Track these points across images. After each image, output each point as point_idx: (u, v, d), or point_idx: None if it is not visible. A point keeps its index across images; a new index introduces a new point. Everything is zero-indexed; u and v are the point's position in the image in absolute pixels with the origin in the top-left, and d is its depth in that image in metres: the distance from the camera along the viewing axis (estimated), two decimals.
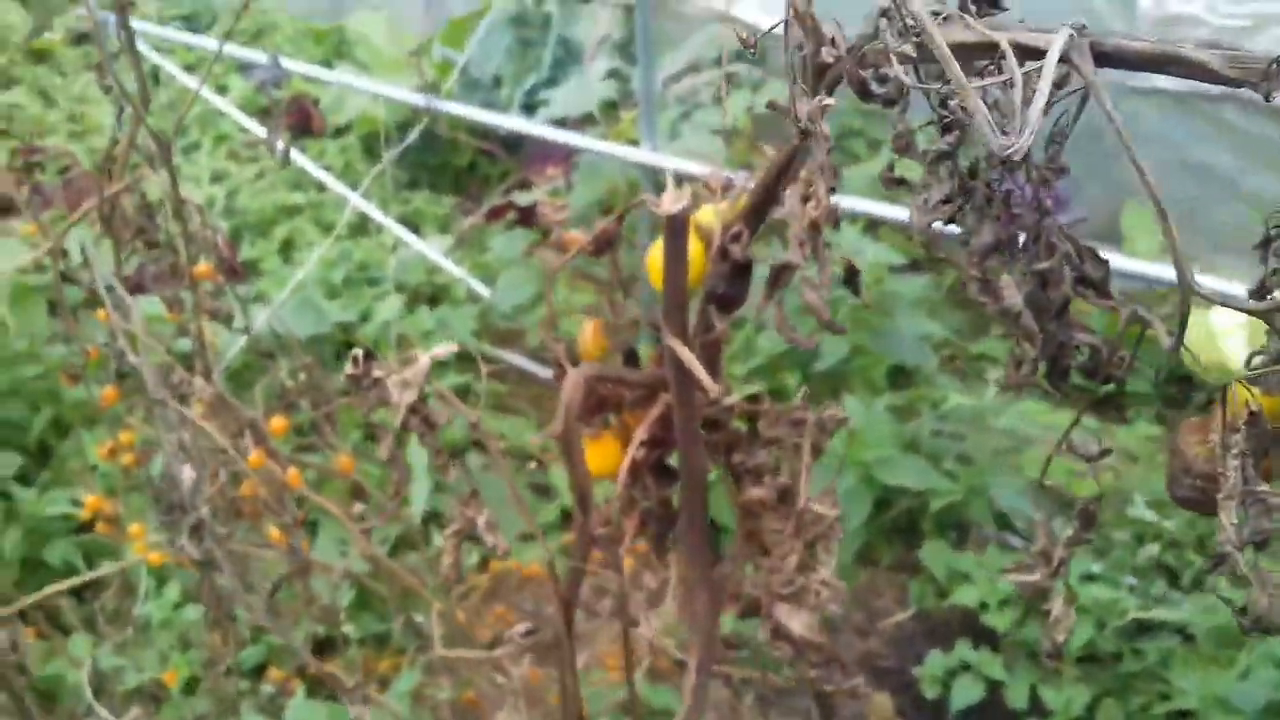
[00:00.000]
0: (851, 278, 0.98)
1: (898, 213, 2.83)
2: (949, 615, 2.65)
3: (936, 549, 2.72)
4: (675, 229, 0.92)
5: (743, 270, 0.97)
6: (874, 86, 0.71)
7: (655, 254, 1.02)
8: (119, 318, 1.58)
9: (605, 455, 1.19)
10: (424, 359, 1.15)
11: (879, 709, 2.34)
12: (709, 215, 1.03)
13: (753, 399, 1.09)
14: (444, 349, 1.15)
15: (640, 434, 1.09)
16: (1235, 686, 2.18)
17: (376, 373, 1.23)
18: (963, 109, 0.66)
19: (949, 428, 2.96)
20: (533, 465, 3.30)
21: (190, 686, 2.29)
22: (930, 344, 3.25)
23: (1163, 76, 0.67)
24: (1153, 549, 2.67)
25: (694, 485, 1.07)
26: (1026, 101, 0.63)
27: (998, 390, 3.00)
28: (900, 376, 3.25)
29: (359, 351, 1.29)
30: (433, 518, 2.83)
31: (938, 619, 2.68)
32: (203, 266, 1.82)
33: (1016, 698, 2.39)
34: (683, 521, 1.13)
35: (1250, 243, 0.94)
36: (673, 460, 1.20)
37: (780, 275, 0.87)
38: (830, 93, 0.81)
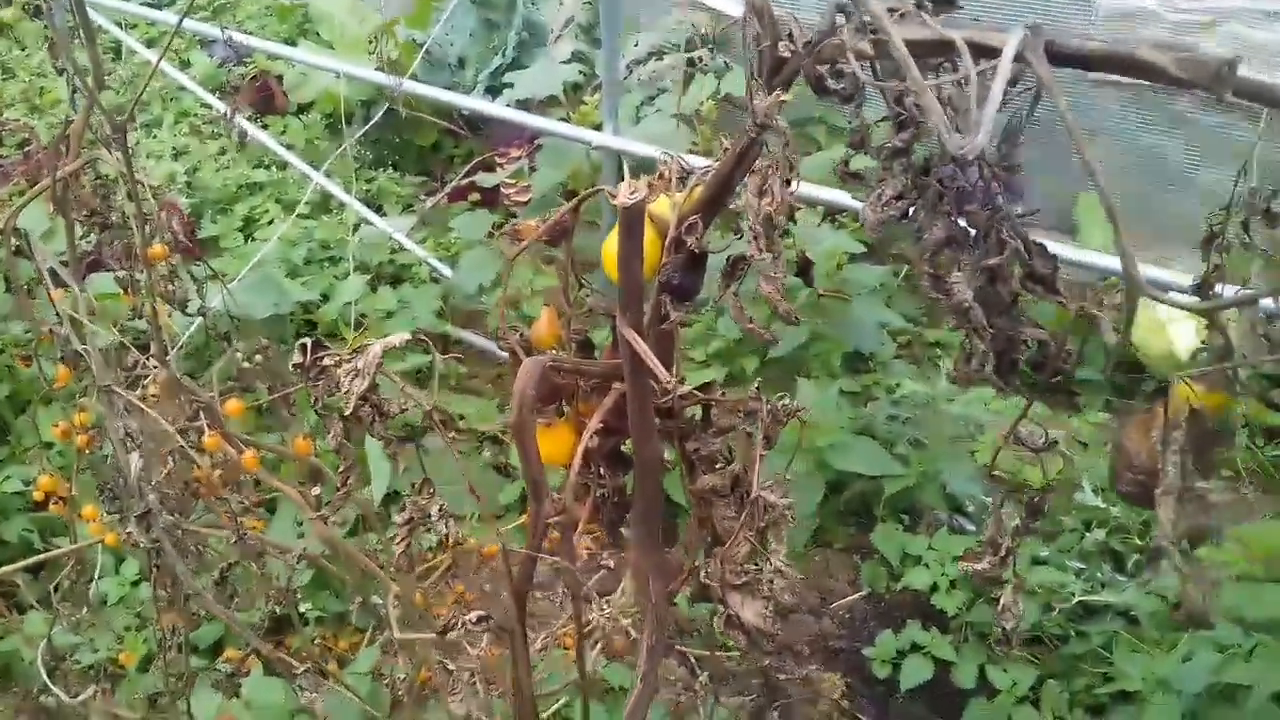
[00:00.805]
0: (805, 269, 1.00)
1: (857, 202, 2.86)
2: (900, 597, 2.70)
3: (889, 532, 2.77)
4: (630, 221, 0.94)
5: (698, 261, 0.98)
6: (830, 83, 0.72)
7: (611, 245, 1.04)
8: (66, 303, 1.57)
9: (561, 443, 1.20)
10: (375, 347, 1.16)
11: (827, 688, 2.38)
12: (664, 206, 1.04)
13: (705, 388, 1.11)
14: (397, 337, 1.16)
15: (593, 422, 1.11)
16: (1177, 669, 2.24)
17: (326, 362, 1.24)
18: (918, 107, 0.68)
19: (903, 413, 3.01)
20: (485, 454, 3.31)
21: (147, 664, 2.29)
22: (887, 331, 3.30)
23: None
24: (1099, 534, 2.73)
25: (647, 473, 1.09)
26: (981, 100, 0.64)
27: (950, 378, 3.04)
28: (857, 362, 3.29)
29: (306, 341, 1.30)
30: (394, 497, 2.83)
31: (889, 601, 2.72)
32: (157, 248, 1.80)
33: (965, 677, 2.45)
34: (636, 508, 1.15)
35: (1202, 235, 0.97)
36: (627, 448, 1.22)
37: (736, 267, 0.89)
38: (787, 86, 0.83)
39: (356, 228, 3.84)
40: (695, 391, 1.09)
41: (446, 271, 3.77)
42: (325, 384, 1.18)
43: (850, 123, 0.73)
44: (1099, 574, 2.66)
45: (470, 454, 3.18)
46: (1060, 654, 2.50)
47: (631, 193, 0.92)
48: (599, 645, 2.48)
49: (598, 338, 1.30)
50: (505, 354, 3.75)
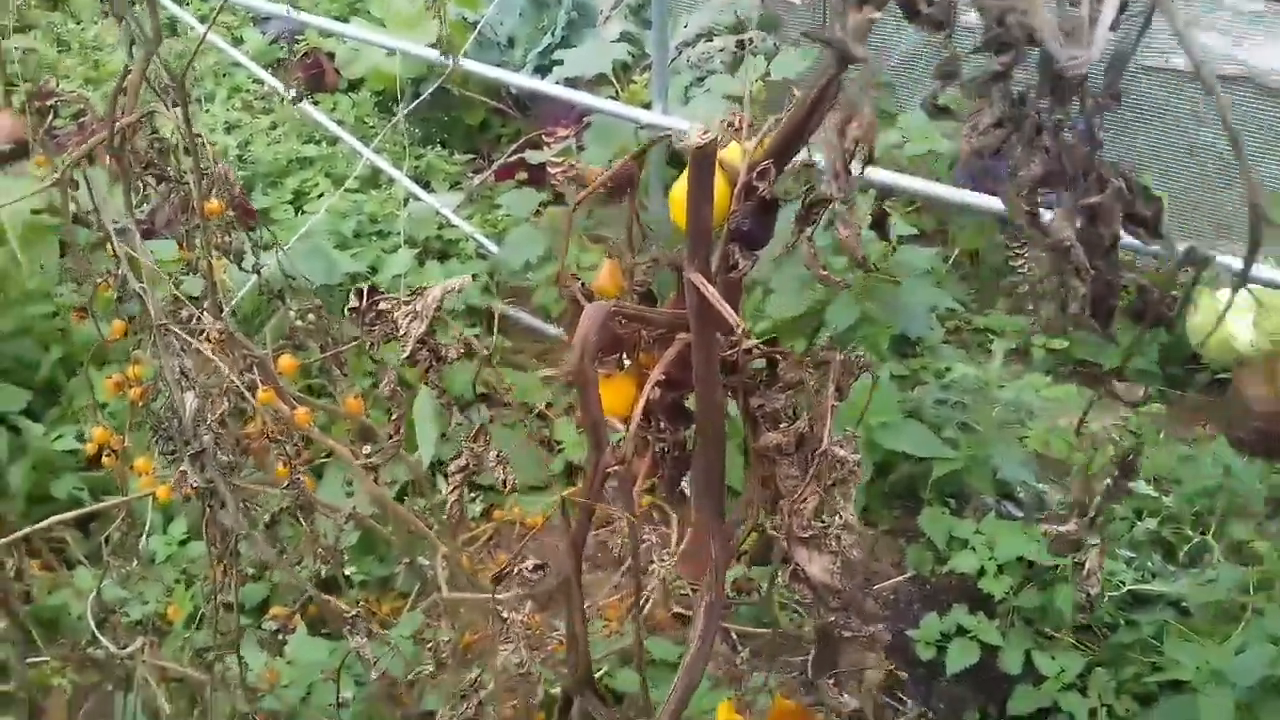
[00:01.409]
0: (881, 221, 0.98)
1: (908, 183, 2.81)
2: (946, 581, 2.67)
3: (936, 515, 2.73)
4: (701, 162, 0.92)
5: (768, 208, 0.97)
6: (922, 6, 0.70)
7: (679, 190, 1.02)
8: (124, 246, 1.57)
9: (619, 395, 1.19)
10: (435, 290, 1.15)
11: (874, 668, 2.35)
12: (734, 153, 1.02)
13: (771, 342, 1.09)
14: (456, 280, 1.15)
15: (656, 373, 1.10)
16: (1231, 661, 2.20)
17: (382, 306, 1.23)
18: (1022, 24, 0.65)
19: (952, 397, 2.97)
20: (530, 428, 3.31)
21: (193, 622, 2.31)
22: (936, 315, 3.26)
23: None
24: (1151, 524, 2.69)
25: (710, 426, 1.08)
26: (1093, 18, 0.61)
27: (1006, 360, 3.01)
28: (904, 346, 3.26)
29: (364, 285, 1.29)
30: (439, 466, 2.84)
31: (935, 584, 2.69)
32: (213, 204, 1.81)
33: (1011, 663, 2.41)
34: (697, 464, 1.14)
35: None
36: (688, 403, 1.20)
37: (811, 211, 0.87)
38: (879, 6, 0.80)
39: (405, 203, 3.85)
40: (761, 346, 1.07)
41: (493, 248, 3.78)
42: (382, 329, 1.18)
43: (941, 53, 0.71)
44: (1149, 564, 2.62)
45: (515, 427, 3.18)
46: (1109, 642, 2.46)
47: (704, 134, 0.90)
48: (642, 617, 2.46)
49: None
50: (552, 330, 3.73)
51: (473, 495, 2.84)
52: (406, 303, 1.12)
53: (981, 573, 2.55)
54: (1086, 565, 0.90)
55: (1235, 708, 2.12)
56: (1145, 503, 2.73)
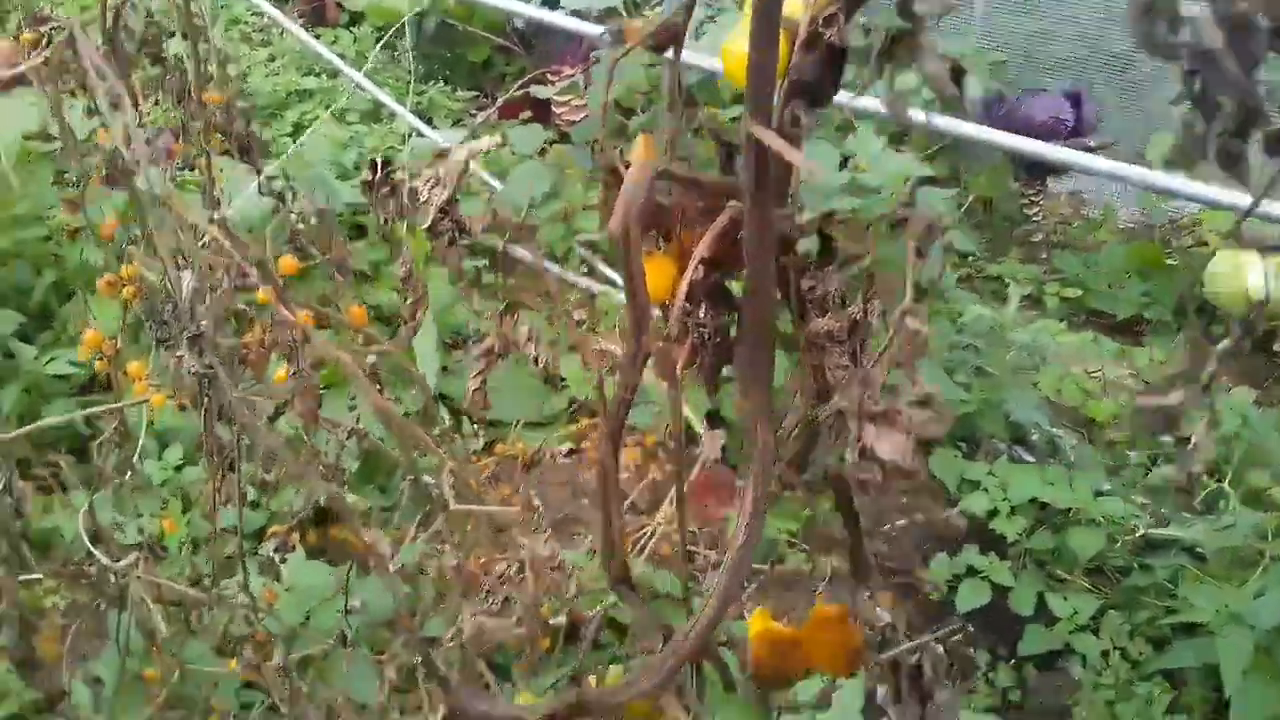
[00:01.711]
0: (958, 77, 0.90)
1: (933, 120, 2.73)
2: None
3: (947, 458, 2.68)
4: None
5: (835, 57, 0.89)
6: None
7: (733, 41, 0.94)
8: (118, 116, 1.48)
9: (658, 275, 1.12)
10: (459, 152, 1.07)
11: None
12: (795, 7, 0.95)
13: (830, 215, 1.02)
14: (485, 141, 1.07)
15: (701, 248, 1.02)
16: (1250, 604, 2.16)
17: (398, 176, 1.16)
18: None
19: (966, 340, 2.91)
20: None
21: (189, 546, 2.24)
22: (948, 260, 3.20)
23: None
24: (1167, 470, 2.64)
25: (760, 302, 1.00)
26: None
27: (1020, 306, 2.95)
28: (916, 290, 3.19)
29: (377, 158, 1.22)
30: (441, 399, 2.78)
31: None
32: (213, 94, 1.73)
33: (1022, 603, 2.37)
34: (743, 345, 1.07)
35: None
36: (731, 285, 1.13)
37: (895, 44, 0.80)
38: None
39: (406, 139, 3.76)
40: (818, 219, 1.00)
41: (496, 185, 3.69)
42: (396, 204, 1.10)
43: None
44: (1164, 510, 2.58)
45: (519, 364, 3.11)
46: (1123, 586, 2.42)
47: None
48: (645, 551, 2.40)
49: None
50: (554, 269, 3.61)
51: (475, 429, 2.77)
52: (428, 168, 1.04)
53: (993, 514, 2.51)
54: (1195, 438, 0.82)
55: (1254, 649, 2.08)
56: (1160, 448, 2.69)
